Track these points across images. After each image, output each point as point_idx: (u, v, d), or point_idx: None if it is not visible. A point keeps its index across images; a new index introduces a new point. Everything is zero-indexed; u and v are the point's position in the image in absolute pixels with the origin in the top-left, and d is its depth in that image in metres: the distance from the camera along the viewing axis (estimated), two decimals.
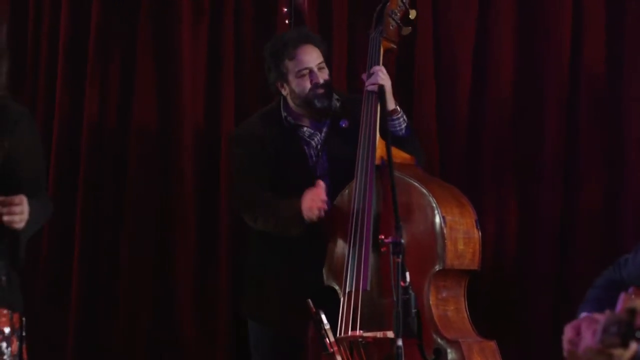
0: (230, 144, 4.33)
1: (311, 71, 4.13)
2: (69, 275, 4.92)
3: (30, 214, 3.06)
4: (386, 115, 4.02)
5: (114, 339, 4.90)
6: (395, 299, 3.39)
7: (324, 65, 4.17)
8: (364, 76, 4.09)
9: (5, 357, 3.18)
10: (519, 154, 4.73)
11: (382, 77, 4.02)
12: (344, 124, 4.17)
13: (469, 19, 4.79)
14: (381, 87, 3.99)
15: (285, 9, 4.77)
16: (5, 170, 3.19)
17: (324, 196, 3.91)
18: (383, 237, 3.53)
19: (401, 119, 4.10)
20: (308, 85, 4.12)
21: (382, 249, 3.59)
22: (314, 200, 3.91)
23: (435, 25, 4.82)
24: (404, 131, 4.10)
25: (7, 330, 3.19)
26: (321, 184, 3.94)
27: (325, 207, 3.91)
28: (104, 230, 4.97)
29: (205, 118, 4.97)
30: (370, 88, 4.03)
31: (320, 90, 4.12)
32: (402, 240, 3.37)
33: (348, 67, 4.83)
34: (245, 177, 4.15)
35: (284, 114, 4.19)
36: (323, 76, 4.15)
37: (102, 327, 4.93)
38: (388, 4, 4.14)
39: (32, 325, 4.61)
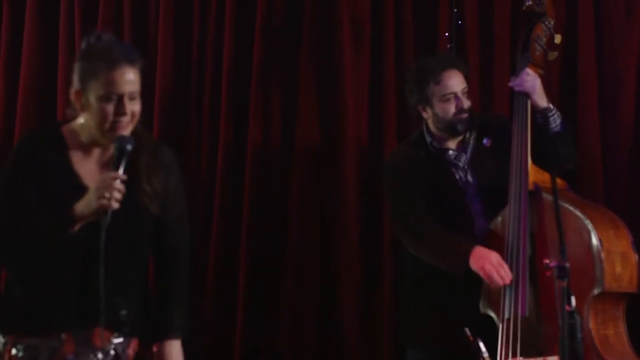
0: (383, 174, 4.38)
1: (456, 96, 4.17)
2: (235, 288, 5.03)
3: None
4: (544, 119, 4.03)
5: (280, 346, 5.00)
6: (560, 323, 3.35)
7: (467, 89, 4.22)
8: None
9: None
10: None
11: (528, 79, 4.05)
12: (487, 143, 4.20)
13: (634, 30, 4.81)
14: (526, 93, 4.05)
15: (447, 33, 4.81)
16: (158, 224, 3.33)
17: (507, 268, 3.91)
18: (547, 261, 3.52)
19: (555, 115, 4.12)
20: (452, 110, 4.18)
21: (547, 273, 3.58)
22: (495, 268, 3.90)
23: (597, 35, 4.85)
24: (559, 127, 4.12)
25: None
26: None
27: (508, 280, 3.90)
28: (267, 255, 5.06)
29: (368, 140, 5.05)
30: (517, 89, 4.08)
31: (464, 115, 4.18)
32: (567, 264, 3.35)
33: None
34: (403, 203, 4.19)
35: (428, 139, 4.25)
36: (466, 102, 4.18)
37: (268, 334, 5.02)
38: (534, 29, 4.16)
39: (202, 326, 4.85)
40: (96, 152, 3.27)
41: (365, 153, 5.02)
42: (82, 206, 3.10)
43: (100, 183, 3.10)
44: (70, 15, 5.30)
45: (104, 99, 3.16)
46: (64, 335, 3.18)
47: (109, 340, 3.24)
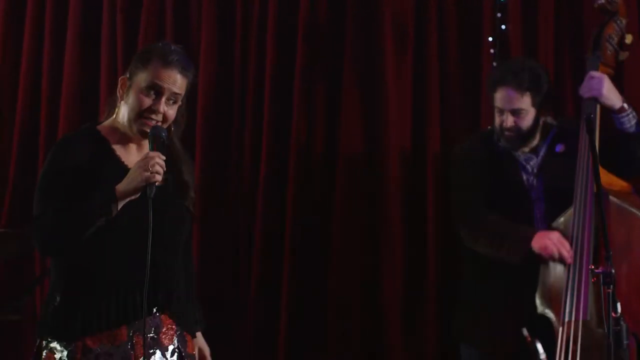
0: (450, 164, 4.38)
1: (502, 113, 4.11)
2: (279, 290, 5.03)
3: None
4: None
5: (324, 344, 4.99)
6: (606, 330, 3.30)
7: (521, 112, 4.11)
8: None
9: None
10: None
11: (594, 84, 4.01)
12: (559, 149, 4.13)
13: None
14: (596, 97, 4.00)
15: (491, 38, 4.77)
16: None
17: (568, 246, 3.89)
18: (593, 267, 3.45)
19: (630, 116, 4.08)
20: (499, 123, 4.16)
21: (592, 280, 3.51)
22: (556, 245, 3.88)
23: None
24: (633, 128, 4.07)
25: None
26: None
27: (570, 259, 3.87)
28: (311, 257, 5.06)
29: (411, 144, 5.03)
30: (584, 95, 4.04)
31: (508, 134, 4.15)
32: (613, 271, 3.28)
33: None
34: (467, 194, 4.19)
35: (497, 135, 4.19)
36: (511, 120, 4.12)
37: (312, 333, 5.02)
38: (605, 28, 4.10)
39: (247, 327, 4.87)
40: (134, 146, 3.35)
41: (408, 156, 5.01)
42: (124, 184, 3.16)
43: (141, 161, 3.17)
44: (112, 18, 5.34)
45: (146, 89, 3.26)
46: (135, 339, 3.19)
47: (172, 332, 3.29)
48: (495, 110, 4.16)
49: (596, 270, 3.36)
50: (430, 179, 4.91)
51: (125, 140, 3.33)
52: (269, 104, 5.11)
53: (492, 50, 4.81)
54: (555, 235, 3.91)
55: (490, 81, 4.20)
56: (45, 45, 5.42)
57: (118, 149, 3.32)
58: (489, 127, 4.33)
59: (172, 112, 3.30)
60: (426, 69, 5.02)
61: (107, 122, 3.37)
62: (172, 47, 3.36)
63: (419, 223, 4.95)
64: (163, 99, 3.26)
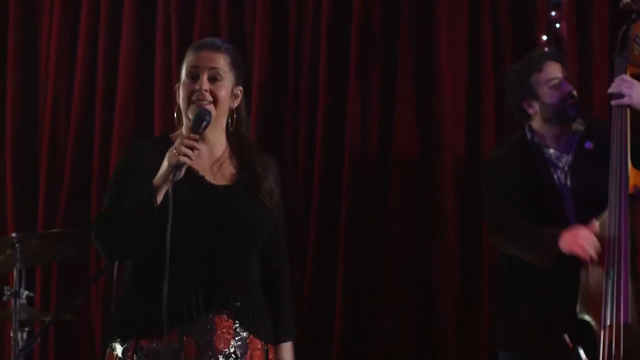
0: (481, 171, 4.37)
1: (561, 81, 4.13)
2: (333, 289, 5.06)
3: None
4: None
5: (377, 339, 5.01)
6: None
7: (569, 77, 4.18)
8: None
9: None
10: None
11: (624, 90, 3.96)
12: (588, 146, 4.12)
13: None
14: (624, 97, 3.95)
15: (545, 37, 4.76)
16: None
17: (596, 241, 3.85)
18: None
19: None
20: (560, 95, 4.13)
21: None
22: (582, 242, 3.85)
23: None
24: None
25: None
26: (595, 225, 3.87)
27: (595, 256, 3.85)
28: (365, 257, 5.07)
29: (465, 144, 5.03)
30: (614, 102, 3.98)
31: (573, 100, 4.13)
32: None
33: None
34: (497, 197, 4.16)
35: (529, 135, 4.19)
36: (572, 87, 4.15)
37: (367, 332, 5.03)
38: (632, 27, 4.07)
39: (301, 326, 4.90)
40: (204, 148, 3.29)
41: (463, 157, 5.01)
42: (159, 173, 3.12)
43: (173, 146, 3.12)
44: (167, 19, 5.39)
45: (187, 77, 3.27)
46: (185, 339, 3.18)
47: (229, 336, 3.23)
48: (548, 87, 4.13)
49: None
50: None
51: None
52: (323, 104, 5.13)
53: (546, 49, 4.81)
54: (583, 232, 3.86)
55: (532, 64, 4.18)
56: (100, 47, 5.49)
57: None
58: (519, 130, 4.29)
59: (219, 89, 3.27)
60: (481, 69, 5.03)
61: (178, 131, 3.36)
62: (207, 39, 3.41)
63: (474, 222, 4.94)
64: (204, 77, 3.25)
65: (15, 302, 4.58)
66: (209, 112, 3.22)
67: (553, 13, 4.85)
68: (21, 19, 5.64)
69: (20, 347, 4.56)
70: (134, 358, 3.19)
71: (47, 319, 4.81)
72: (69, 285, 5.40)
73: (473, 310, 4.93)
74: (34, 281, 5.35)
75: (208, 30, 5.29)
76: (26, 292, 4.65)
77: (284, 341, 3.39)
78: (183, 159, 3.07)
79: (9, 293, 4.62)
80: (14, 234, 4.65)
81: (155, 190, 3.10)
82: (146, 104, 5.39)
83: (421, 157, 5.06)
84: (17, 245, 4.57)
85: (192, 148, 3.09)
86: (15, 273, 4.61)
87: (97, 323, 5.35)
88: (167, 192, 3.09)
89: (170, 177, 3.08)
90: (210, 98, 3.25)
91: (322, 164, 5.11)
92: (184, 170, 3.08)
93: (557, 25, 4.82)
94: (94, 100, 5.49)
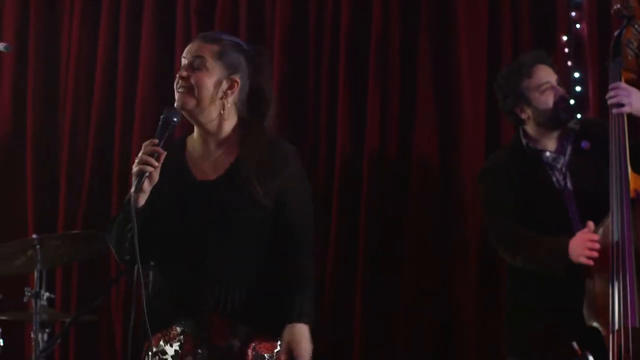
0: (478, 180, 4.31)
1: (552, 85, 4.10)
2: (353, 293, 5.06)
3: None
4: None
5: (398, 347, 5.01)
6: None
7: (559, 81, 4.14)
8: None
9: None
10: None
11: (622, 98, 3.93)
12: (585, 146, 4.09)
13: None
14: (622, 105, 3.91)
15: (565, 37, 4.75)
16: (277, 210, 3.29)
17: (596, 242, 3.82)
18: None
19: None
20: (552, 99, 4.10)
21: None
22: (585, 247, 3.82)
23: None
24: None
25: None
26: (590, 226, 3.85)
27: (597, 254, 3.82)
28: (385, 259, 5.07)
29: (485, 146, 5.03)
30: (615, 111, 3.93)
31: (565, 104, 4.10)
32: None
33: None
34: (497, 210, 4.10)
35: (524, 141, 4.16)
36: (563, 90, 4.13)
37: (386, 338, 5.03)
38: (623, 33, 4.04)
39: (321, 330, 4.92)
40: (208, 154, 3.31)
41: (483, 159, 4.96)
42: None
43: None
44: (187, 20, 5.41)
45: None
46: (183, 337, 3.22)
47: (228, 332, 3.23)
48: (539, 92, 4.08)
49: None
50: None
51: (198, 144, 3.32)
52: (342, 106, 5.15)
53: (566, 50, 4.80)
54: (581, 243, 3.82)
55: (521, 70, 4.12)
56: (120, 47, 5.52)
57: (191, 159, 3.32)
58: (513, 136, 4.27)
59: (200, 77, 3.24)
60: (500, 68, 4.98)
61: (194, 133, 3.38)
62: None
63: None
64: (184, 65, 3.26)
65: (35, 303, 4.61)
66: (176, 114, 3.21)
67: (573, 13, 4.85)
68: (42, 23, 5.67)
69: (40, 348, 4.59)
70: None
71: (68, 320, 4.84)
72: (89, 287, 5.42)
73: (493, 312, 4.90)
74: (55, 282, 5.38)
75: (228, 31, 5.25)
76: (47, 294, 4.68)
77: (298, 322, 3.25)
78: (144, 167, 3.08)
79: (29, 294, 4.65)
80: (34, 235, 4.68)
81: (130, 197, 3.11)
82: (166, 105, 5.38)
83: (441, 157, 5.06)
84: (38, 246, 4.60)
85: (153, 155, 3.08)
86: (35, 274, 4.64)
87: (117, 324, 5.36)
88: (148, 198, 3.12)
89: (134, 186, 3.09)
90: (186, 84, 3.25)
91: (341, 168, 5.12)
92: (145, 178, 3.07)
93: (578, 26, 4.81)
94: (114, 102, 5.52)
